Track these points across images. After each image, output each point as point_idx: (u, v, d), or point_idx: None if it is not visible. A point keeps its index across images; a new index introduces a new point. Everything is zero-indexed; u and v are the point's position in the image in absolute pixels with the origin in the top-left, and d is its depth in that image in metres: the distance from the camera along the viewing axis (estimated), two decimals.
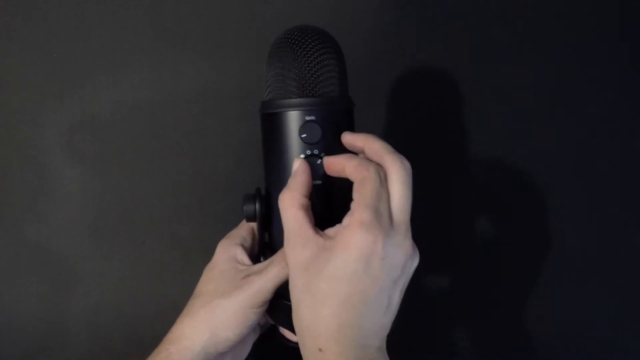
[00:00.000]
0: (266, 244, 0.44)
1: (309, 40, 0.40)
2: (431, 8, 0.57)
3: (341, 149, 0.40)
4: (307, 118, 0.40)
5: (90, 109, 0.56)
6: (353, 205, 0.35)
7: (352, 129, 0.42)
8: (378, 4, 0.56)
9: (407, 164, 0.37)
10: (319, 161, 0.40)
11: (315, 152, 0.40)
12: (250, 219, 0.42)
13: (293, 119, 0.40)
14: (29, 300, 0.59)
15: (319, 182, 0.40)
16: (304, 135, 0.40)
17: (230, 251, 0.43)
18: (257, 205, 0.42)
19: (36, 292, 0.59)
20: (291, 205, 0.36)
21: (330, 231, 0.36)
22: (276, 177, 0.41)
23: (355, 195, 0.35)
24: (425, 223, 0.61)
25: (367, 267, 0.34)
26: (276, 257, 0.40)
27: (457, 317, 0.63)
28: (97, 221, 0.58)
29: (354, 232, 0.34)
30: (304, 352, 0.36)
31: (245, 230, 0.45)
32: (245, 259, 0.43)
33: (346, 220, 0.35)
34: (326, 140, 0.40)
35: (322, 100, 0.40)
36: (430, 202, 0.60)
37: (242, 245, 0.44)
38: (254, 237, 0.45)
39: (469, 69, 0.57)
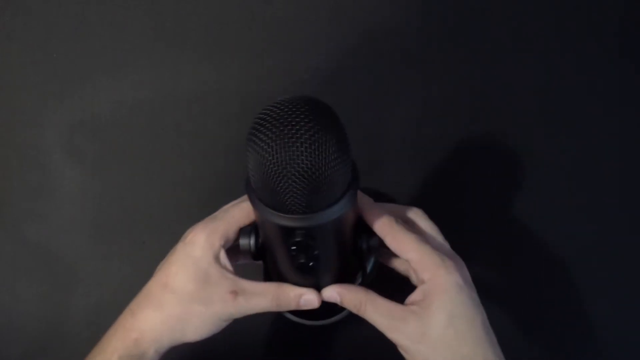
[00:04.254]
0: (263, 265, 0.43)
1: (302, 146, 0.30)
2: (431, 8, 0.57)
3: (337, 242, 0.37)
4: (298, 233, 0.34)
5: (90, 109, 0.56)
6: (414, 262, 0.39)
7: (354, 209, 0.37)
8: (378, 4, 0.56)
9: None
10: (311, 263, 0.37)
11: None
12: (245, 252, 0.41)
13: (282, 231, 0.35)
14: (29, 300, 0.59)
15: (311, 264, 0.37)
16: (293, 249, 0.35)
17: (215, 250, 0.40)
18: (252, 240, 0.40)
19: (36, 292, 0.59)
20: (368, 310, 0.39)
21: (413, 297, 0.39)
22: (267, 243, 0.39)
23: (409, 254, 0.39)
24: None
25: (468, 292, 0.39)
26: (268, 291, 0.40)
27: None
28: (97, 221, 0.58)
29: (445, 276, 0.38)
30: None
31: (232, 231, 0.41)
32: (228, 265, 0.41)
33: (424, 274, 0.39)
34: (320, 244, 0.36)
35: (320, 217, 0.33)
36: (429, 201, 0.60)
37: (224, 247, 0.41)
38: (236, 238, 0.42)
39: (469, 69, 0.57)
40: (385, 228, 0.40)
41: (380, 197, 0.47)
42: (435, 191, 0.60)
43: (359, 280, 0.44)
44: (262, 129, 0.32)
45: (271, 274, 0.43)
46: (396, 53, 0.57)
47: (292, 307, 0.40)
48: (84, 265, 0.59)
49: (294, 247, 0.35)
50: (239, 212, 0.42)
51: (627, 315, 0.62)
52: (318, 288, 0.41)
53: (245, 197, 0.41)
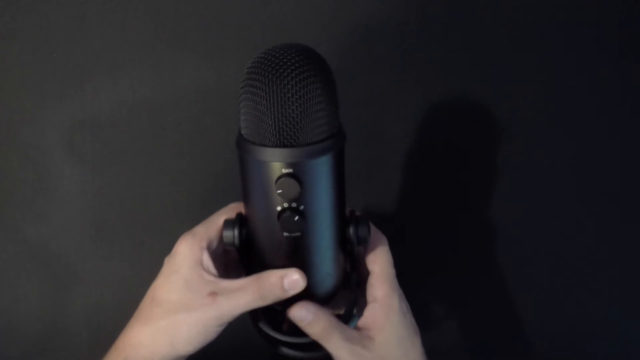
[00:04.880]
0: (245, 265, 0.42)
1: (290, 76, 0.34)
2: (431, 8, 0.57)
3: (323, 201, 0.37)
4: (284, 171, 0.35)
5: (90, 109, 0.56)
6: (377, 277, 0.41)
7: (341, 168, 0.38)
8: (378, 4, 0.56)
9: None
10: (296, 218, 0.36)
11: (294, 205, 0.36)
12: (229, 245, 0.40)
13: (267, 170, 0.35)
14: (29, 300, 0.59)
15: (298, 234, 0.37)
16: (280, 191, 0.35)
17: (195, 254, 0.40)
18: (236, 231, 0.39)
19: (36, 292, 0.59)
20: (334, 337, 0.39)
21: (365, 321, 0.41)
22: (254, 217, 0.39)
23: (375, 266, 0.42)
24: (424, 223, 0.61)
25: (410, 318, 0.42)
26: (248, 284, 0.38)
27: (457, 316, 0.63)
28: (97, 221, 0.58)
29: (394, 300, 0.41)
30: None
31: (214, 231, 0.41)
32: (212, 267, 0.40)
33: (378, 292, 0.41)
34: (306, 193, 0.36)
35: (304, 151, 0.35)
36: (428, 202, 0.60)
37: (209, 249, 0.40)
38: (221, 239, 0.41)
39: (469, 69, 0.57)
40: (376, 237, 0.42)
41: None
42: (435, 191, 0.60)
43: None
44: (256, 65, 0.35)
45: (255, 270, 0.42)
46: (396, 53, 0.57)
47: (278, 294, 0.38)
48: (84, 265, 0.59)
49: (280, 191, 0.35)
50: (219, 217, 0.42)
51: (627, 315, 0.63)
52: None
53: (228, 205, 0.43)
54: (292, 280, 0.38)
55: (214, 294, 0.38)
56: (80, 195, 0.58)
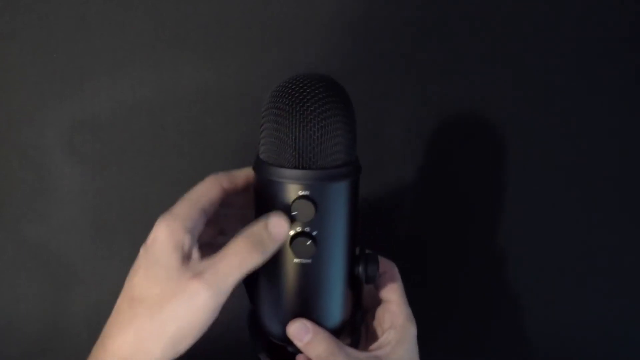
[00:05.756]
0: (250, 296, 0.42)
1: (313, 102, 0.35)
2: (431, 8, 0.57)
3: (336, 229, 0.37)
4: (300, 193, 0.35)
5: (90, 109, 0.56)
6: (396, 304, 0.42)
7: (354, 199, 0.38)
8: (378, 4, 0.56)
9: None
10: (309, 242, 0.36)
11: (307, 229, 0.36)
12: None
13: (284, 191, 0.36)
14: (29, 300, 0.59)
15: (308, 261, 0.37)
16: (294, 213, 0.36)
17: (177, 237, 0.35)
18: None
19: (36, 292, 0.59)
20: (348, 358, 0.38)
21: (384, 340, 0.41)
22: None
23: (393, 295, 0.42)
24: (424, 222, 0.61)
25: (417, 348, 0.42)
26: (232, 246, 0.35)
27: (457, 317, 0.63)
28: (97, 221, 0.58)
29: (411, 328, 0.41)
30: None
31: (196, 211, 0.37)
32: (195, 253, 0.35)
33: (397, 319, 0.41)
34: (320, 218, 0.36)
35: (321, 174, 0.36)
36: (428, 201, 0.60)
37: (192, 233, 0.36)
38: (204, 221, 0.37)
39: (468, 69, 0.57)
40: (389, 266, 0.43)
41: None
42: (435, 191, 0.60)
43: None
44: (279, 90, 0.37)
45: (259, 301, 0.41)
46: (396, 53, 0.57)
47: (267, 244, 0.35)
48: (84, 265, 0.59)
49: (295, 213, 0.36)
50: (199, 194, 0.38)
51: (627, 316, 0.63)
52: (307, 315, 0.38)
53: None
54: (275, 223, 0.35)
55: (198, 274, 0.34)
56: (80, 195, 0.58)
